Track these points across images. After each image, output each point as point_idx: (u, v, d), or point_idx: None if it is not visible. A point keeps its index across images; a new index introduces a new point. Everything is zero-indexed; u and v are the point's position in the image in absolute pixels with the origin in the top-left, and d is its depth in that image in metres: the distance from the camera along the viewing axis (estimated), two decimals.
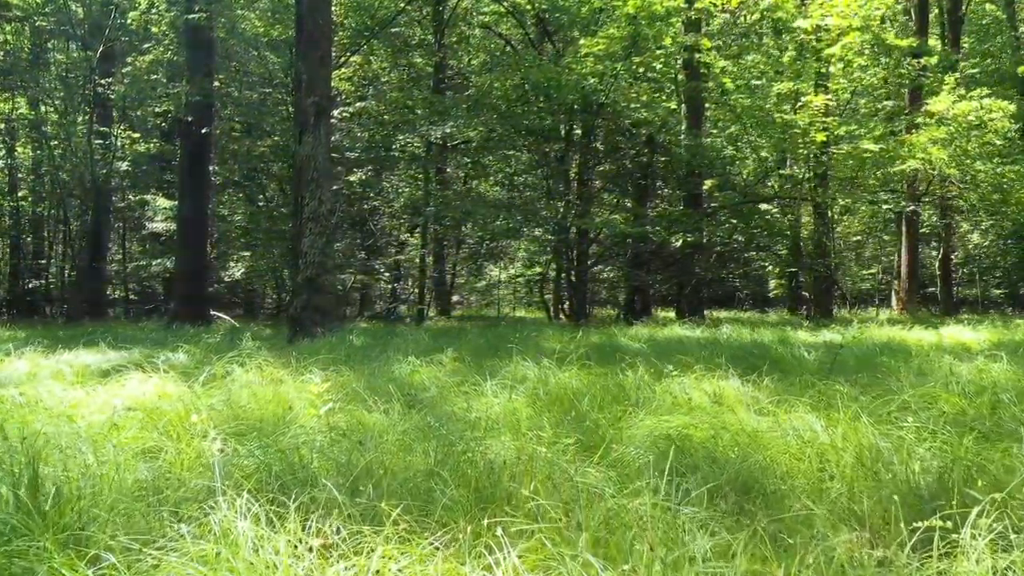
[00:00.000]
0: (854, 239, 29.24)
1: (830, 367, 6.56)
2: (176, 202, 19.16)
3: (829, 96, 15.65)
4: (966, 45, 26.04)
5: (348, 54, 20.16)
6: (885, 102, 19.05)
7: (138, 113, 26.40)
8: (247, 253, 22.76)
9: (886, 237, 29.40)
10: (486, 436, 3.97)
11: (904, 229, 23.12)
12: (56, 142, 23.22)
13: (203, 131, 16.75)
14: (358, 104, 19.00)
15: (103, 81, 21.30)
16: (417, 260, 21.80)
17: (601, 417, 4.44)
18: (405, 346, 8.93)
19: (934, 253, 26.95)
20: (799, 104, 15.02)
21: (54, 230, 26.69)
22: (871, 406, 4.59)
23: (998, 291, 29.89)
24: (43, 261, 26.04)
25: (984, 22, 28.60)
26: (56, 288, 25.27)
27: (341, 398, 5.14)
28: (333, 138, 17.46)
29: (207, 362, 6.76)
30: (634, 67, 15.74)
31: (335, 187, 19.26)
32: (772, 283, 31.34)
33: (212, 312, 18.08)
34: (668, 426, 3.96)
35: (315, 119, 10.92)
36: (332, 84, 21.37)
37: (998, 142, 15.84)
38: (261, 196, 22.75)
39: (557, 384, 5.45)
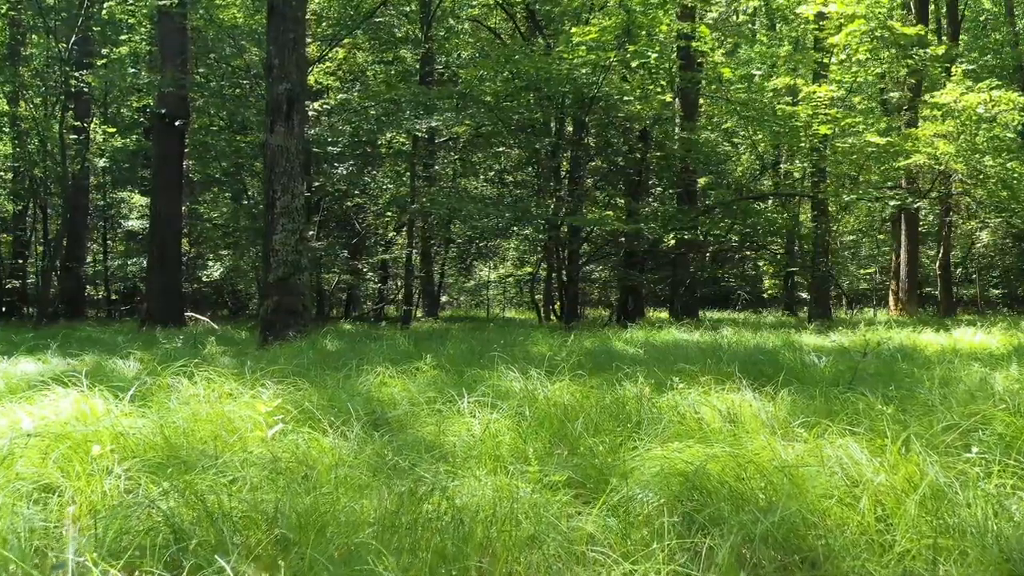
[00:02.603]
0: (849, 238, 28.68)
1: (851, 378, 5.87)
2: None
3: (832, 87, 14.99)
4: (962, 41, 25.55)
5: (330, 47, 19.40)
6: (892, 93, 18.40)
7: (117, 108, 25.56)
8: (226, 252, 21.97)
9: (881, 236, 28.88)
10: (458, 471, 3.26)
11: (903, 228, 22.52)
12: (29, 137, 22.34)
13: (176, 124, 15.94)
14: (340, 96, 18.22)
15: (76, 73, 20.47)
16: (403, 259, 21.05)
17: (598, 443, 3.73)
18: (382, 352, 8.20)
19: (930, 252, 26.38)
20: (800, 96, 14.38)
21: (32, 229, 25.83)
22: (916, 428, 3.91)
23: (996, 291, 29.41)
24: (20, 261, 25.16)
25: (981, 19, 28.19)
26: (34, 289, 24.41)
27: (295, 417, 4.42)
28: (313, 131, 16.72)
29: (157, 371, 6.03)
30: (628, 56, 15.04)
31: (316, 183, 18.51)
32: (767, 283, 30.74)
33: (188, 314, 17.29)
34: (680, 458, 3.25)
35: (287, 107, 10.16)
36: (317, 79, 20.75)
37: (1010, 135, 15.22)
38: (244, 194, 21.95)
39: (546, 400, 4.74)
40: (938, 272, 23.76)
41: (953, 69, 15.63)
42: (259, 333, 10.50)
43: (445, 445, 3.80)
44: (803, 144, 14.94)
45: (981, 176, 16.30)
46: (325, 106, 16.76)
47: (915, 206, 18.06)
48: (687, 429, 4.04)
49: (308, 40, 18.84)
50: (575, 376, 5.70)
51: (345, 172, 17.94)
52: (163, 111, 16.29)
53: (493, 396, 4.88)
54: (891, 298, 24.21)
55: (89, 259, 24.94)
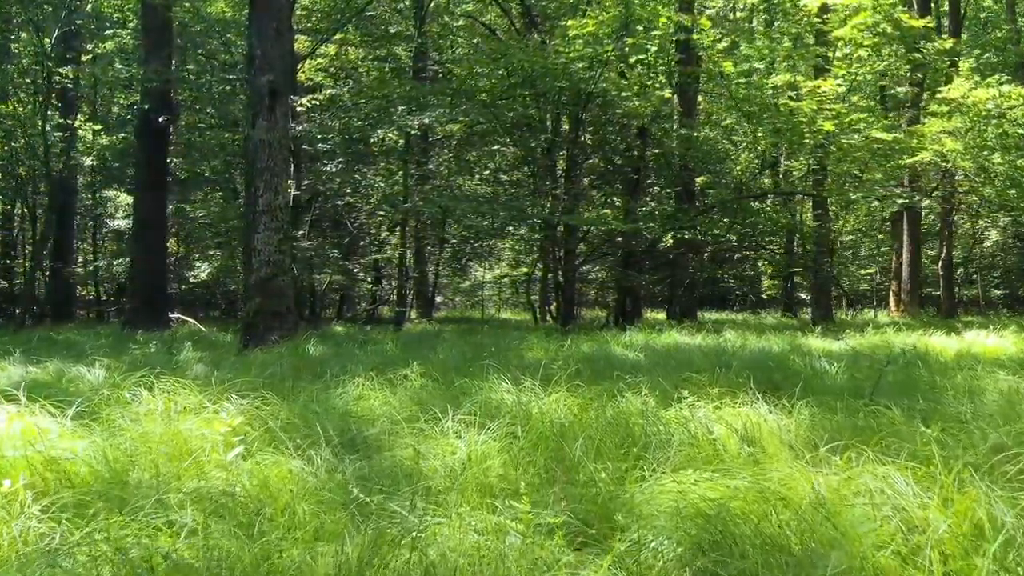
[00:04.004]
0: (848, 238, 28.28)
1: (873, 388, 5.42)
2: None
3: (839, 81, 14.51)
4: (963, 40, 25.19)
5: (321, 42, 18.89)
6: (899, 88, 17.93)
7: (108, 106, 24.99)
8: (216, 252, 21.46)
9: (881, 236, 28.51)
10: (438, 507, 2.79)
11: (905, 227, 22.10)
12: (15, 136, 21.77)
13: (160, 120, 15.43)
14: (328, 91, 17.70)
15: (61, 69, 19.95)
16: (396, 260, 20.54)
17: (600, 470, 3.26)
18: (367, 358, 7.72)
19: (930, 252, 25.97)
20: (804, 91, 13.92)
21: (20, 229, 25.24)
22: (958, 451, 3.46)
23: (997, 292, 29.06)
24: (8, 262, 24.58)
25: (981, 16, 27.87)
26: (21, 289, 23.84)
27: (259, 436, 3.95)
28: (301, 127, 16.23)
29: (117, 382, 5.54)
30: (626, 50, 14.56)
31: (307, 181, 18.00)
32: (765, 284, 30.30)
33: (174, 315, 16.78)
34: (696, 493, 2.78)
35: (270, 100, 9.67)
36: (309, 76, 20.21)
37: (1020, 131, 14.76)
38: (235, 192, 21.40)
39: (541, 416, 4.27)
40: (940, 272, 23.32)
41: (961, 64, 15.19)
42: (240, 337, 10.01)
43: (425, 472, 3.33)
44: (807, 141, 14.46)
45: (989, 174, 15.84)
46: (314, 101, 16.24)
47: (923, 204, 17.59)
48: (700, 452, 3.58)
49: (297, 35, 18.34)
50: (572, 386, 5.23)
51: (335, 170, 17.42)
52: (147, 107, 15.79)
53: (483, 411, 4.41)
54: (892, 299, 23.78)
55: (80, 259, 24.42)
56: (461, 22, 23.25)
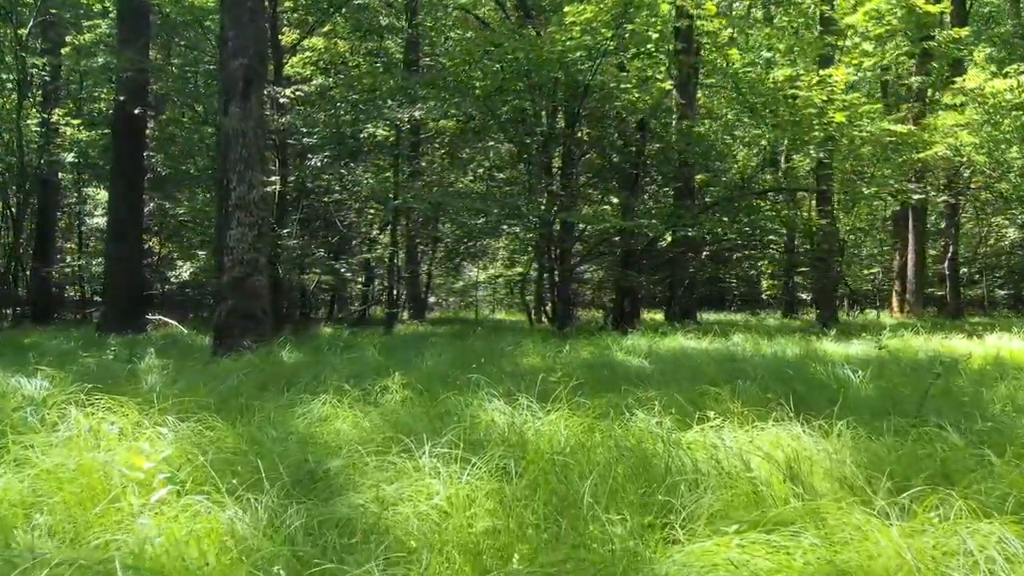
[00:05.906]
0: (849, 237, 27.68)
1: (920, 405, 4.73)
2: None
3: (850, 70, 13.82)
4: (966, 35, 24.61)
5: (308, 32, 18.16)
6: (913, 79, 17.26)
7: (88, 100, 24.20)
8: (202, 252, 20.72)
9: (882, 236, 27.95)
10: None
11: (910, 226, 21.47)
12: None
13: (136, 111, 14.68)
14: (314, 82, 16.96)
15: (36, 60, 19.17)
16: (387, 259, 19.81)
17: (616, 523, 2.56)
18: (345, 367, 7.01)
19: (932, 252, 25.40)
20: (814, 81, 13.25)
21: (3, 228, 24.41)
22: None
23: (1001, 292, 28.53)
24: None
25: (984, 11, 27.37)
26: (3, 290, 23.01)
27: (194, 472, 3.23)
28: (284, 119, 15.52)
29: (40, 400, 4.83)
30: (627, 38, 13.88)
31: (292, 177, 17.26)
32: (764, 284, 29.66)
33: (157, 316, 16.03)
34: (747, 565, 2.08)
35: (244, 86, 8.93)
36: (297, 70, 19.46)
37: None
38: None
39: (538, 443, 3.57)
40: (946, 272, 22.71)
41: (975, 54, 14.55)
42: (211, 342, 9.28)
43: (396, 526, 2.62)
44: (816, 133, 13.78)
45: (1004, 168, 15.19)
46: (299, 92, 15.50)
47: (939, 200, 16.94)
48: (738, 494, 2.88)
49: (283, 27, 17.61)
50: (574, 402, 4.52)
51: (320, 164, 16.69)
52: (122, 98, 15.04)
53: (470, 435, 3.71)
54: (894, 299, 23.16)
55: (68, 259, 23.63)
56: (455, 15, 22.58)
